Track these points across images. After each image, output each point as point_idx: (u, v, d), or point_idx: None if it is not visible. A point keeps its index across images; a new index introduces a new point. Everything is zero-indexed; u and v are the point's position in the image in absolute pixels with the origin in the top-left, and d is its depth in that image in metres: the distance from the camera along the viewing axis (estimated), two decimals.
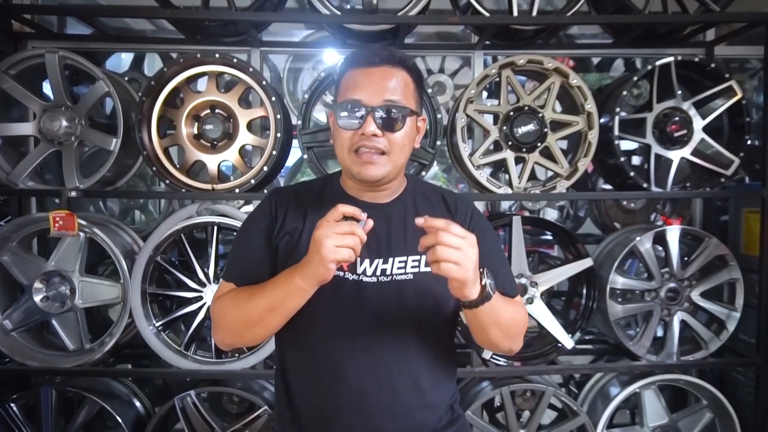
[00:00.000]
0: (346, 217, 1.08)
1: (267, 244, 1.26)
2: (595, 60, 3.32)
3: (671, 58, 2.30)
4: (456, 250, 1.02)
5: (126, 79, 2.64)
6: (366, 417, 1.22)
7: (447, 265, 1.02)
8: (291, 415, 1.28)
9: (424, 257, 1.23)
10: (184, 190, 2.27)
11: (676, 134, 2.35)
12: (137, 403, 2.49)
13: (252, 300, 1.17)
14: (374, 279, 1.22)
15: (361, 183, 1.24)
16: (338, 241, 1.04)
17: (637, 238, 2.33)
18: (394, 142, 1.18)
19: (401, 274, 1.23)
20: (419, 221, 1.05)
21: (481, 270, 1.10)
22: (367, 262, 1.22)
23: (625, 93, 2.31)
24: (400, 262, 1.23)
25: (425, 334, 1.21)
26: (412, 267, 1.23)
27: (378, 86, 1.17)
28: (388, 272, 1.22)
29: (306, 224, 1.25)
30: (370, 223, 1.10)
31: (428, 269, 1.23)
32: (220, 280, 1.31)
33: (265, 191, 2.47)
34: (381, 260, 1.22)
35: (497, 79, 2.31)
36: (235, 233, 2.35)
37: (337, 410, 1.22)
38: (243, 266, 1.27)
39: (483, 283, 1.10)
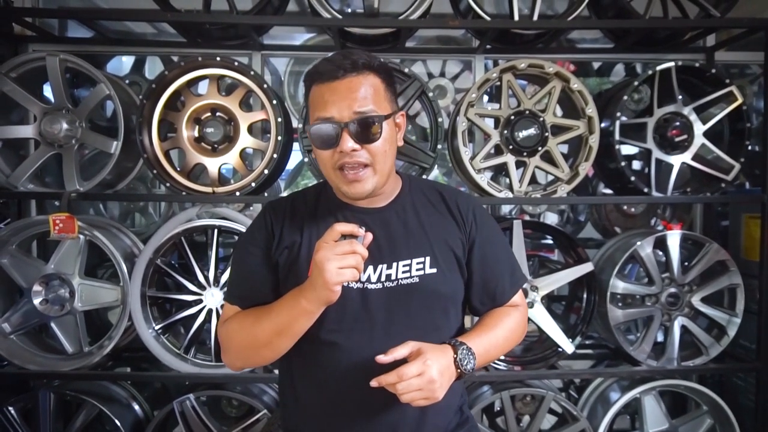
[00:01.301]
0: (344, 235, 1.07)
1: (266, 261, 1.24)
2: (596, 64, 3.33)
3: (672, 63, 2.31)
4: (418, 391, 1.06)
5: (127, 82, 2.64)
6: (376, 422, 1.21)
7: (414, 399, 1.07)
8: (300, 421, 1.27)
9: (428, 258, 1.23)
10: (184, 193, 2.26)
11: (677, 139, 2.35)
12: (136, 407, 2.48)
13: (259, 324, 1.17)
14: (379, 285, 1.21)
15: (353, 199, 1.23)
16: (340, 262, 1.03)
17: (638, 243, 2.33)
18: (375, 152, 1.16)
19: (407, 277, 1.21)
20: (381, 359, 1.08)
21: (455, 357, 1.14)
22: (370, 268, 1.20)
23: (625, 98, 2.31)
24: (404, 265, 1.22)
25: (433, 336, 1.20)
26: (417, 270, 1.22)
27: (347, 100, 1.13)
28: (393, 277, 1.21)
29: (303, 237, 1.24)
30: (369, 236, 1.10)
31: (434, 270, 1.23)
32: (224, 302, 1.30)
33: (266, 194, 2.47)
34: (385, 265, 1.21)
35: (498, 83, 2.31)
36: (235, 237, 2.37)
37: (347, 417, 1.22)
38: (245, 288, 1.26)
39: (459, 371, 1.14)
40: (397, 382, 1.05)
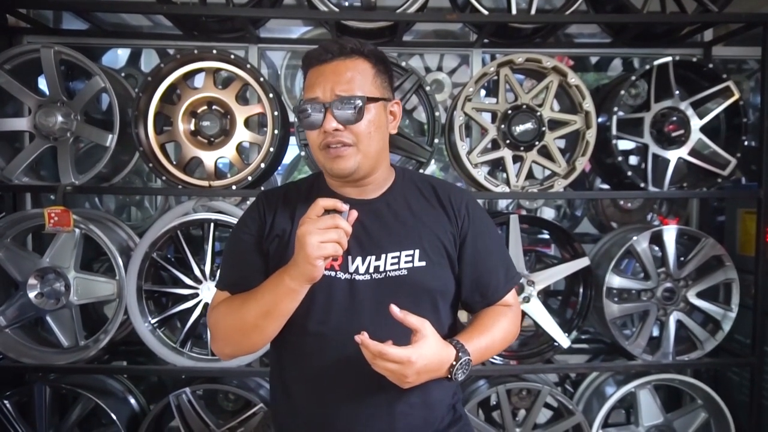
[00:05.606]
0: (328, 211, 1.07)
1: (258, 249, 1.25)
2: (594, 59, 3.32)
3: (669, 58, 2.30)
4: (388, 372, 1.07)
5: (122, 74, 2.63)
6: (365, 417, 1.21)
7: (380, 371, 1.08)
8: (289, 414, 1.27)
9: (418, 251, 1.22)
10: (180, 187, 2.26)
11: (674, 134, 2.35)
12: (132, 401, 2.48)
13: (245, 306, 1.16)
14: (367, 277, 1.20)
15: (338, 178, 1.23)
16: (322, 236, 1.03)
17: (634, 238, 2.33)
18: (358, 133, 1.17)
19: (395, 270, 1.21)
20: (393, 309, 1.08)
21: (453, 364, 1.13)
22: (359, 259, 1.20)
23: (623, 92, 2.31)
24: (393, 257, 1.21)
25: None
26: (406, 262, 1.21)
27: (331, 81, 1.16)
28: (381, 269, 1.21)
29: (294, 226, 1.23)
30: (354, 213, 1.10)
31: (423, 263, 1.22)
32: (215, 289, 1.30)
33: (262, 188, 2.46)
34: (373, 257, 1.21)
35: (495, 78, 2.31)
36: (231, 230, 2.36)
37: (336, 411, 1.21)
38: (235, 274, 1.26)
39: (447, 377, 1.14)
40: (377, 357, 1.05)
